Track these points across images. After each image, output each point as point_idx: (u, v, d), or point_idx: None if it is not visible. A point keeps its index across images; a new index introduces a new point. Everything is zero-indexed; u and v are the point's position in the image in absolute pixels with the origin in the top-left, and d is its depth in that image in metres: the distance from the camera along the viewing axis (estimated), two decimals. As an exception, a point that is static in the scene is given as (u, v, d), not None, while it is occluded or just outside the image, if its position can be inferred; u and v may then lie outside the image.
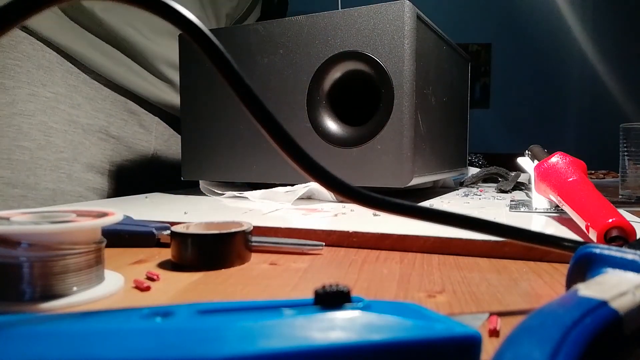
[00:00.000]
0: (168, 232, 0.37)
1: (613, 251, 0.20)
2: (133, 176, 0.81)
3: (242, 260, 0.33)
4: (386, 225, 0.39)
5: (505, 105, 3.96)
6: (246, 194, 0.61)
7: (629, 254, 0.20)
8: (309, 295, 0.17)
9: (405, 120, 0.53)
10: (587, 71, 3.77)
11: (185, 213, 0.49)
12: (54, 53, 0.72)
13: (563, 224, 0.43)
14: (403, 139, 0.53)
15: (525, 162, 0.56)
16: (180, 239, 0.32)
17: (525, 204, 0.53)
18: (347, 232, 0.38)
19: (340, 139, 0.57)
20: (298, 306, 0.16)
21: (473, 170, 0.88)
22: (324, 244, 0.37)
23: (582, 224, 0.36)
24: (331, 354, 0.14)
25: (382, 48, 0.54)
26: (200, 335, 0.14)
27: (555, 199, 0.43)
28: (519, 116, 3.92)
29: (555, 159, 0.45)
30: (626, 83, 3.62)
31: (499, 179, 0.80)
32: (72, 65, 0.74)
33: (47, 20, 0.70)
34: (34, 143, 0.68)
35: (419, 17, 0.54)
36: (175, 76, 0.79)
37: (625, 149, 0.74)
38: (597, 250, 0.20)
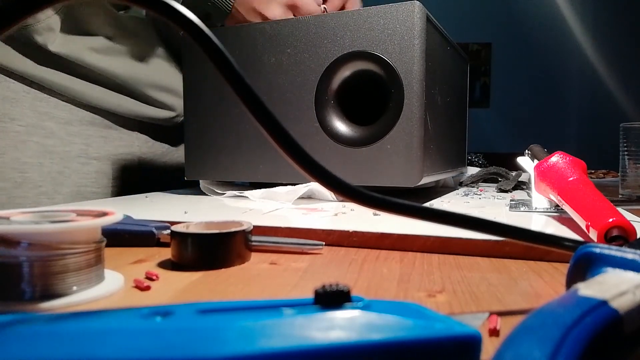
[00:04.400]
0: (168, 231, 0.37)
1: (613, 251, 0.20)
2: (123, 187, 0.78)
3: (242, 259, 0.33)
4: (386, 225, 0.39)
5: (505, 105, 3.96)
6: (246, 193, 0.61)
7: (629, 254, 0.20)
8: (309, 294, 0.17)
9: (415, 120, 0.53)
10: (587, 71, 3.77)
11: (185, 212, 0.49)
12: (18, 83, 0.66)
13: (563, 224, 0.43)
14: (413, 139, 0.53)
15: (525, 161, 0.56)
16: (180, 238, 0.32)
17: (525, 204, 0.53)
18: (347, 231, 0.38)
19: (349, 138, 0.57)
20: (298, 306, 0.16)
21: (473, 170, 0.88)
22: (324, 243, 0.37)
23: (582, 223, 0.36)
24: (331, 354, 0.14)
25: (392, 48, 0.54)
26: (200, 335, 0.14)
27: (555, 198, 0.43)
28: (519, 116, 3.92)
29: (555, 158, 0.45)
30: (626, 83, 3.62)
31: (499, 179, 0.80)
32: (39, 92, 0.68)
33: (3, 49, 0.65)
34: (8, 183, 0.64)
35: (427, 18, 0.54)
36: (153, 92, 0.78)
37: (625, 149, 0.74)
38: (597, 250, 0.20)
